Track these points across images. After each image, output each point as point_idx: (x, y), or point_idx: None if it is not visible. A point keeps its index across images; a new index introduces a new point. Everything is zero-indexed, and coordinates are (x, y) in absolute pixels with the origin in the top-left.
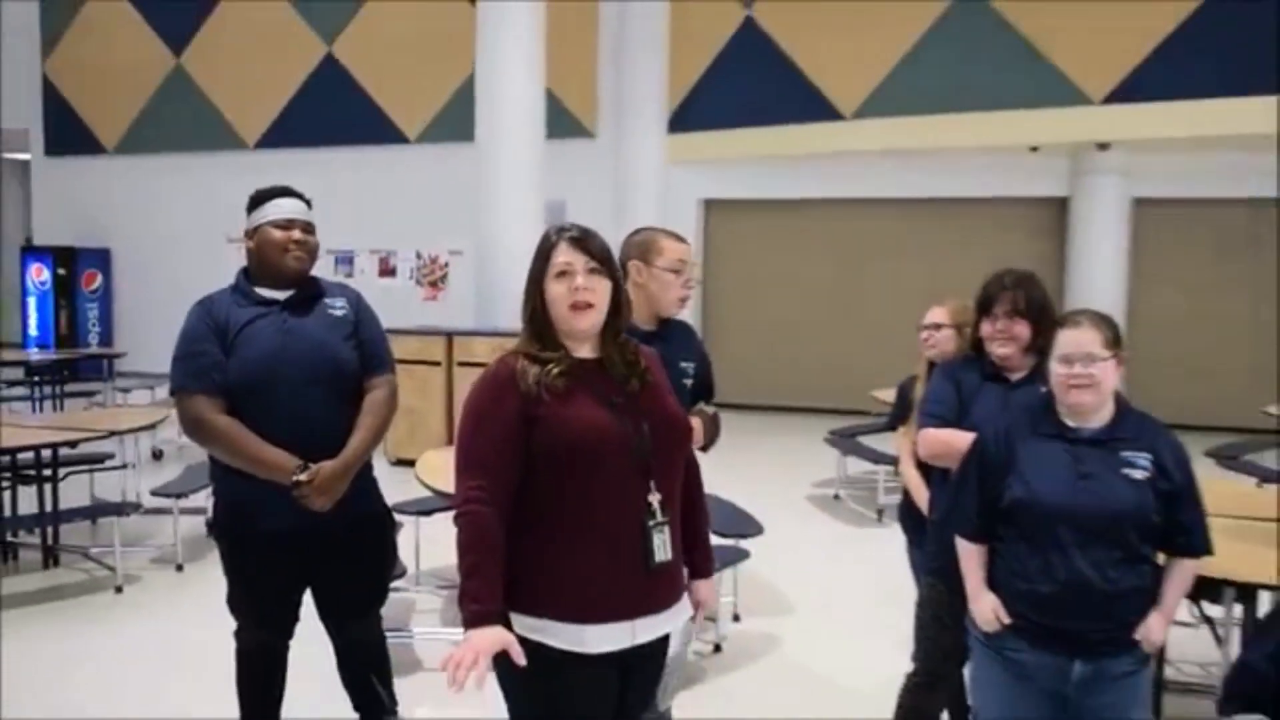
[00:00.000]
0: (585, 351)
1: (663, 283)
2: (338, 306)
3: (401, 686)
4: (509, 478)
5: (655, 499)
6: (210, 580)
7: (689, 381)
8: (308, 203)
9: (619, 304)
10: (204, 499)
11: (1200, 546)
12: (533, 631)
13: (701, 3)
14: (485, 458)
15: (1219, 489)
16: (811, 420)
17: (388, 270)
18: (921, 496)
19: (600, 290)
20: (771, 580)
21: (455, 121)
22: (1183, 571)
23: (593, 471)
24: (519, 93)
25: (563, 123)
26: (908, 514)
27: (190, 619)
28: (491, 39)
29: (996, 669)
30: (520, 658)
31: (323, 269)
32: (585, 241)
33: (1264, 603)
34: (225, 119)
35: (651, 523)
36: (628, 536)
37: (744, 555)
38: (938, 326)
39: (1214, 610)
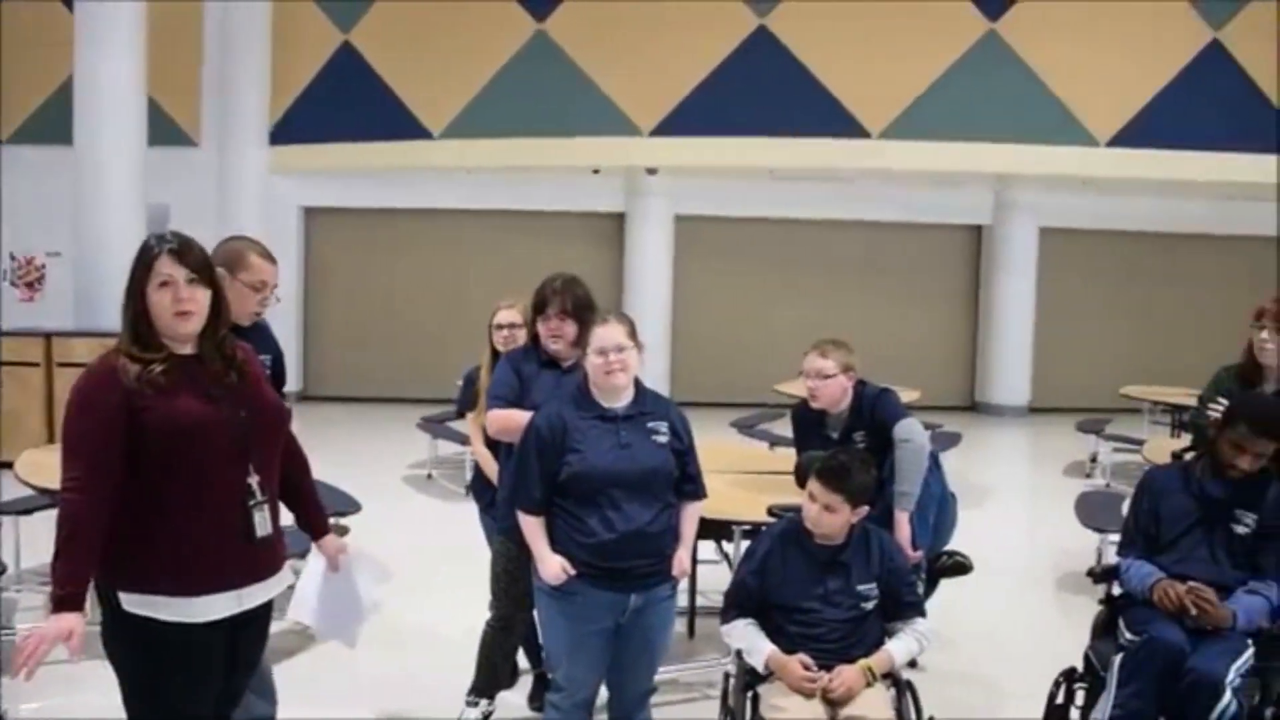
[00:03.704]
0: (186, 349)
1: (240, 295)
2: None
3: (6, 684)
4: (111, 467)
5: (255, 480)
6: None
7: (267, 373)
8: None
9: (219, 308)
10: None
11: (703, 492)
12: (142, 607)
13: (303, 25)
14: (86, 448)
15: (739, 451)
16: (407, 409)
17: None
18: (491, 470)
19: (201, 299)
20: (372, 552)
21: (51, 124)
22: (693, 512)
23: (195, 457)
24: (120, 98)
25: (165, 130)
26: (477, 486)
27: None
28: (90, 44)
29: (562, 614)
30: (79, 651)
31: None
32: (185, 255)
33: None
34: None
35: (252, 502)
36: (230, 514)
37: (344, 531)
38: (513, 326)
39: (729, 548)
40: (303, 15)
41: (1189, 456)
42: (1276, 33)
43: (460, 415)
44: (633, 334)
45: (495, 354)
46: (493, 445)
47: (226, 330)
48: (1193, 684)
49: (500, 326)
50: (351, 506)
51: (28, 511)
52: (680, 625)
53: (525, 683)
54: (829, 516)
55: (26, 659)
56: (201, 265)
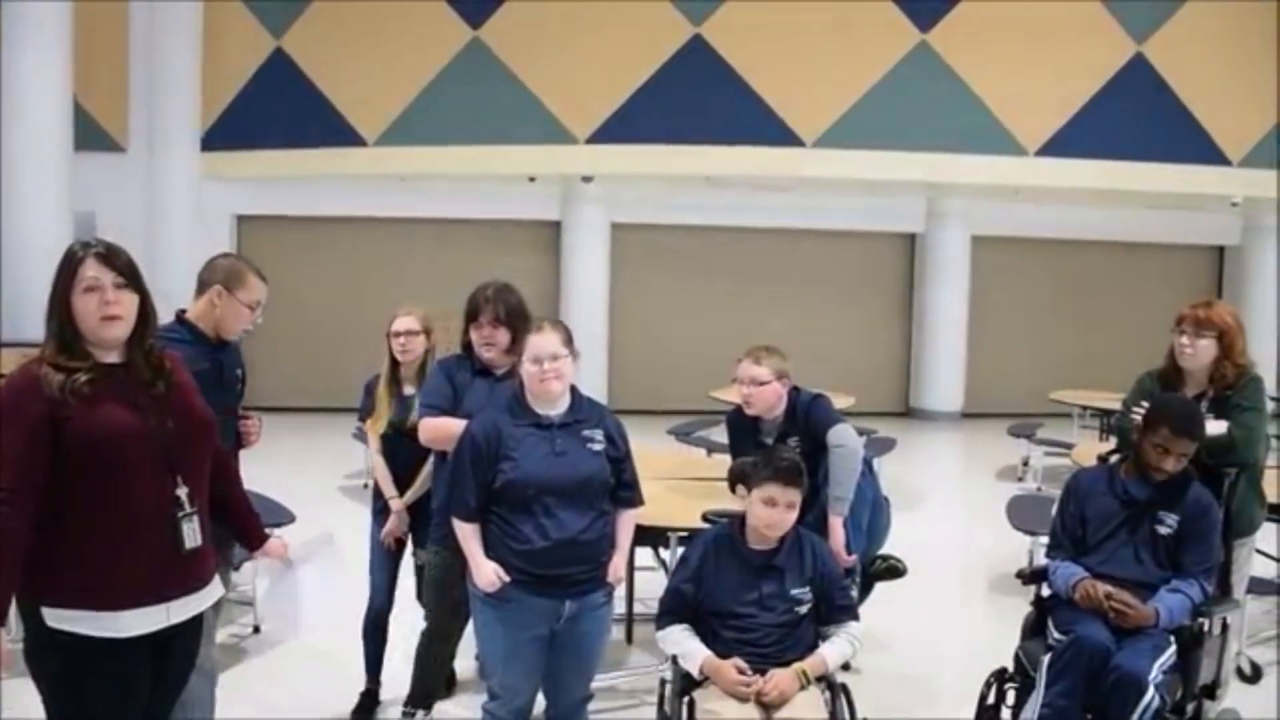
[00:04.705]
0: (112, 358)
1: (237, 312)
2: None
3: None
4: (34, 479)
5: (183, 491)
6: None
7: (240, 386)
8: None
9: (146, 314)
10: None
11: (639, 500)
12: (68, 623)
13: (234, 30)
14: (8, 459)
15: (676, 458)
16: (343, 418)
17: None
18: (385, 479)
19: (128, 303)
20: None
21: None
22: (628, 519)
23: (121, 468)
24: (44, 102)
25: (92, 135)
26: (374, 496)
27: None
28: (14, 46)
29: (497, 621)
30: (9, 665)
31: None
32: (111, 258)
33: None
34: None
35: (180, 513)
36: (158, 526)
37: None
38: (410, 333)
39: (666, 554)
40: (233, 19)
41: (1114, 459)
42: (1196, 46)
43: (361, 420)
44: (568, 342)
45: (394, 362)
46: (390, 454)
47: (154, 338)
48: (1117, 681)
49: (397, 334)
50: (284, 517)
51: None
52: (618, 632)
53: (463, 691)
54: (791, 514)
55: None
56: (129, 270)
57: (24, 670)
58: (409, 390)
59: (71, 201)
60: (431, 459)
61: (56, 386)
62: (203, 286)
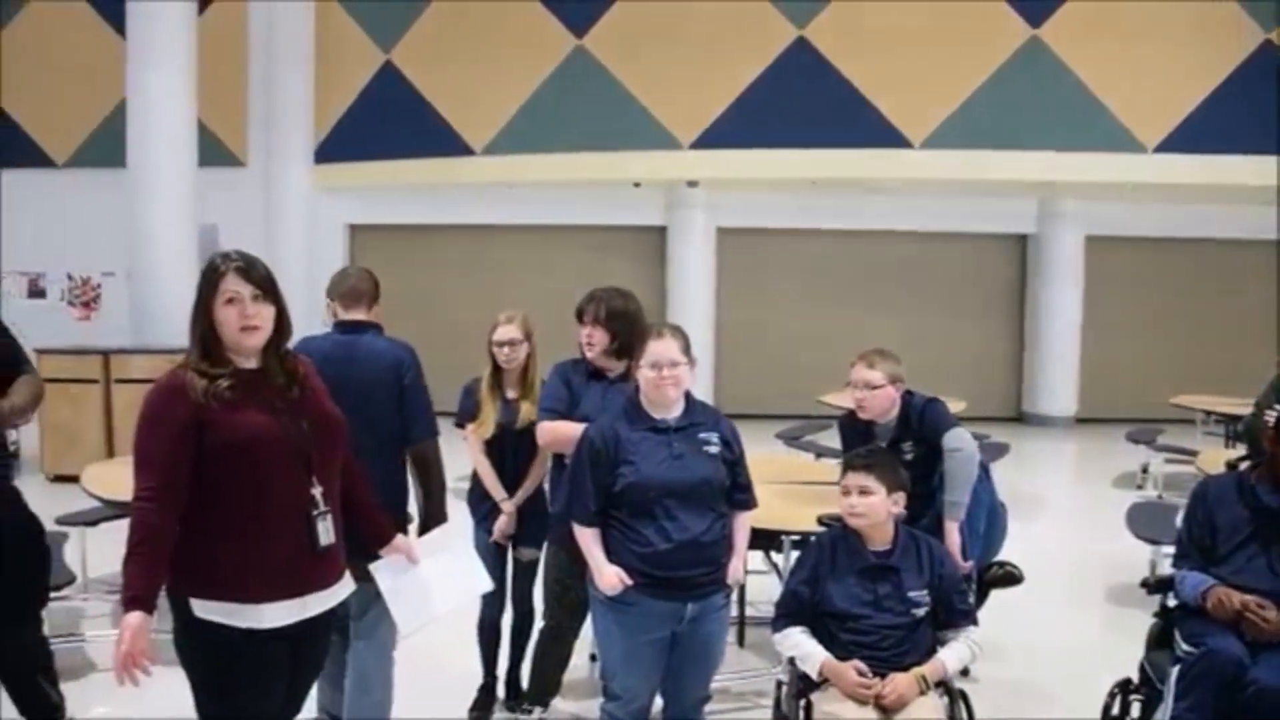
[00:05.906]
0: (251, 364)
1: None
2: None
3: (76, 689)
4: (180, 477)
5: (318, 490)
6: None
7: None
8: None
9: (282, 323)
10: None
11: (754, 502)
12: (214, 614)
13: (345, 46)
14: (157, 459)
15: (786, 462)
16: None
17: (37, 291)
18: (494, 482)
19: (265, 314)
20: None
21: (106, 147)
22: (744, 522)
23: (260, 469)
24: (170, 121)
25: (214, 151)
26: (474, 499)
27: None
28: (142, 68)
29: (617, 624)
30: (152, 656)
31: None
32: (250, 271)
33: None
34: None
35: (315, 511)
36: (295, 524)
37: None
38: (513, 343)
39: (778, 558)
40: (345, 36)
41: (1244, 465)
42: None
43: (460, 426)
44: (686, 349)
45: (496, 368)
46: (499, 456)
47: (287, 345)
48: (1256, 695)
49: (501, 344)
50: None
51: (93, 523)
52: (730, 634)
53: (579, 690)
54: (866, 499)
55: (123, 667)
56: (266, 282)
57: (169, 659)
58: (511, 394)
59: (196, 215)
60: (538, 460)
61: (200, 391)
62: (376, 299)
